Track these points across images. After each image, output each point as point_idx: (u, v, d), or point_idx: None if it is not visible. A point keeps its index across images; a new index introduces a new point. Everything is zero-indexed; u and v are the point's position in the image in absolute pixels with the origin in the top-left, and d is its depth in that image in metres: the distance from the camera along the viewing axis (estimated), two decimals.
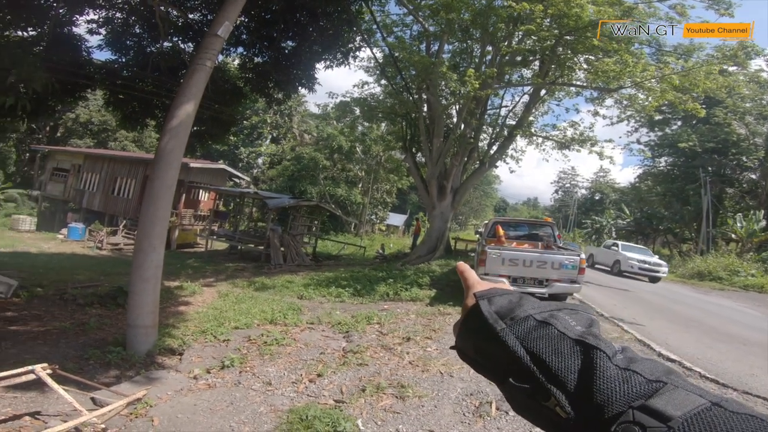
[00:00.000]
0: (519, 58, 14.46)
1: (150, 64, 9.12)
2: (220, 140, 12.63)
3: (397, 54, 14.19)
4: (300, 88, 10.64)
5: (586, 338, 0.46)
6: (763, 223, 21.95)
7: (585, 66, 13.63)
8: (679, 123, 28.06)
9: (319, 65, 10.25)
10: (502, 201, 72.82)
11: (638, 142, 29.15)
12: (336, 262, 18.57)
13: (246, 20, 9.24)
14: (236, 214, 23.83)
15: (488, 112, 17.59)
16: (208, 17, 9.00)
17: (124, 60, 9.57)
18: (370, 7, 11.76)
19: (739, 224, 22.74)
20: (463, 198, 18.11)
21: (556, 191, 66.48)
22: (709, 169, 25.33)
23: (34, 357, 5.09)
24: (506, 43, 13.77)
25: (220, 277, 13.13)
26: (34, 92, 5.90)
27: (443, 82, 14.29)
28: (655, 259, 18.00)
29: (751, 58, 13.05)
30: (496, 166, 18.98)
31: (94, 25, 8.94)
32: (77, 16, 8.58)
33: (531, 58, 14.47)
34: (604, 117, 40.10)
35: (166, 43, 9.44)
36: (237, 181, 29.08)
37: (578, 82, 15.01)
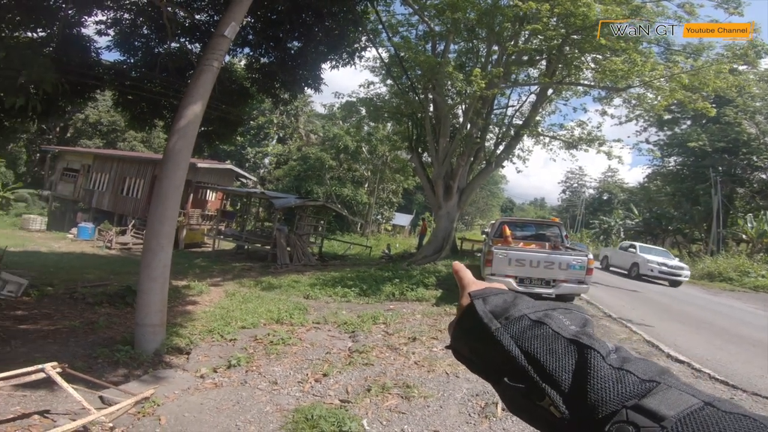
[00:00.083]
0: (525, 58, 14.39)
1: (158, 65, 9.19)
2: (227, 140, 12.69)
3: (402, 54, 14.18)
4: (306, 88, 10.69)
5: (580, 338, 0.46)
6: None
7: (592, 65, 13.54)
8: (689, 122, 27.75)
9: (325, 65, 10.29)
10: (508, 201, 72.55)
11: (647, 141, 28.91)
12: (342, 262, 18.61)
13: (252, 21, 9.29)
14: (243, 214, 23.96)
15: (495, 111, 17.55)
16: (215, 18, 9.05)
17: (132, 61, 9.66)
18: (376, 7, 11.75)
19: (749, 224, 22.46)
20: (470, 198, 18.07)
21: (564, 191, 66.15)
22: (720, 168, 25.02)
23: (44, 356, 5.15)
24: (512, 43, 13.72)
25: (227, 276, 13.21)
26: (45, 93, 5.96)
27: (449, 82, 14.27)
28: (676, 261, 17.16)
29: (761, 57, 12.85)
30: (503, 166, 18.93)
31: (103, 26, 9.03)
32: (86, 17, 8.67)
33: (538, 57, 14.40)
34: (612, 116, 39.69)
35: (173, 44, 9.52)
36: (244, 181, 29.23)
37: (586, 82, 14.91)
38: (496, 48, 14.91)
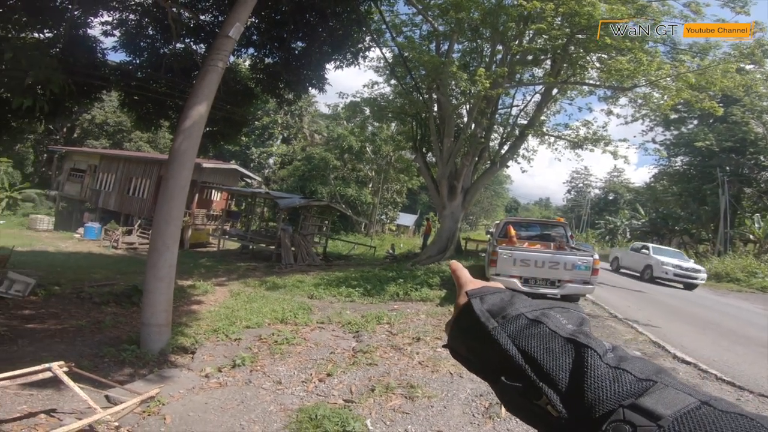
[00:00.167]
0: (530, 57, 14.33)
1: (163, 66, 9.25)
2: (232, 141, 12.76)
3: (406, 54, 14.17)
4: (310, 88, 10.72)
5: (577, 336, 0.46)
6: None
7: (598, 65, 13.46)
8: (696, 122, 27.55)
9: (329, 65, 10.32)
10: (513, 201, 72.28)
11: (653, 141, 28.69)
12: (346, 261, 18.63)
13: (256, 21, 9.32)
14: (248, 214, 24.04)
15: (499, 111, 17.48)
16: (219, 19, 9.10)
17: (138, 61, 9.73)
18: (379, 7, 11.77)
19: (757, 225, 22.26)
20: (474, 198, 18.02)
21: (569, 191, 65.78)
22: (727, 168, 24.81)
23: (51, 355, 5.20)
24: (517, 42, 13.66)
25: (232, 276, 13.26)
26: (52, 94, 6.01)
27: (453, 82, 14.24)
28: (692, 263, 16.33)
29: None
30: (508, 166, 18.90)
31: (109, 27, 9.10)
32: (92, 18, 8.75)
33: (542, 57, 14.34)
34: (618, 116, 39.44)
35: (178, 45, 9.58)
36: (248, 181, 29.35)
37: (591, 81, 14.83)
38: (500, 47, 14.87)
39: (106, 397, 4.33)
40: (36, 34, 7.71)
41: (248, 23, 8.32)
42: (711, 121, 24.97)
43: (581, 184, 63.33)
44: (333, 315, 8.42)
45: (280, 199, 18.43)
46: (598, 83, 14.38)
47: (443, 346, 0.58)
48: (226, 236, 19.94)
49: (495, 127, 17.12)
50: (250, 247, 19.23)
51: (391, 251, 19.83)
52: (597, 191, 59.42)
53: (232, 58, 9.03)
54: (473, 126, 15.62)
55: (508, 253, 9.22)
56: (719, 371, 5.74)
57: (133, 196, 23.66)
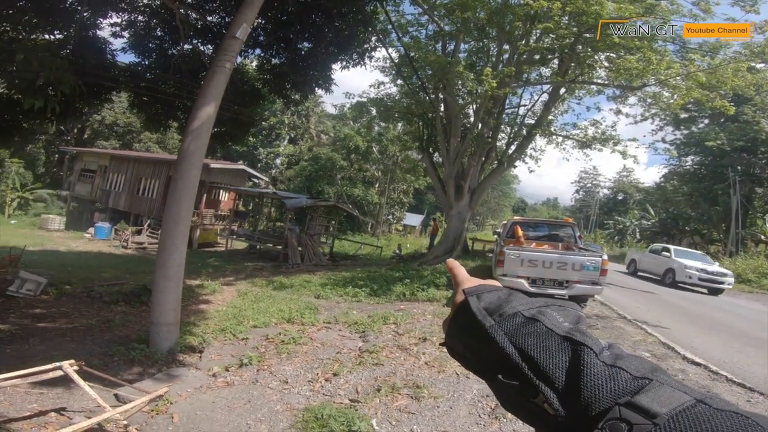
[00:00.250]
0: (537, 57, 14.26)
1: (171, 67, 9.33)
2: (239, 141, 12.84)
3: (412, 54, 14.16)
4: (317, 88, 10.75)
5: (573, 335, 0.46)
6: None
7: (606, 64, 13.35)
8: (707, 121, 27.21)
9: (335, 66, 10.36)
10: (520, 201, 71.90)
11: (663, 140, 28.39)
12: (353, 261, 18.66)
13: (263, 22, 9.37)
14: (255, 214, 24.18)
15: (506, 111, 17.42)
16: (226, 20, 9.16)
17: (147, 62, 9.83)
18: (385, 7, 11.76)
19: None
20: (481, 198, 17.97)
21: (577, 191, 65.25)
22: (738, 168, 24.47)
23: (62, 353, 5.27)
24: (524, 42, 13.60)
25: (240, 276, 13.34)
26: (63, 95, 6.07)
27: (460, 82, 14.21)
28: (717, 267, 15.29)
29: None
30: (515, 166, 18.80)
31: (118, 28, 9.21)
32: (101, 20, 8.85)
33: (549, 56, 14.25)
34: (627, 115, 39.11)
35: (186, 46, 9.65)
36: (256, 181, 29.52)
37: (599, 80, 14.72)
38: (507, 47, 14.81)
39: (116, 395, 4.37)
40: (46, 36, 7.81)
41: (255, 24, 8.37)
42: (722, 120, 24.67)
43: (590, 184, 62.82)
44: (339, 315, 8.44)
45: (287, 199, 18.51)
46: (606, 82, 14.26)
47: (441, 344, 0.59)
48: (234, 236, 20.06)
49: (502, 126, 17.06)
50: (258, 247, 19.33)
51: (397, 251, 19.83)
52: (606, 191, 58.93)
53: (239, 59, 9.08)
54: (480, 126, 15.57)
55: (516, 254, 9.18)
56: (730, 372, 5.68)
57: (143, 196, 23.90)
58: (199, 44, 10.02)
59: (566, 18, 11.76)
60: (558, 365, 0.44)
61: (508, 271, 9.11)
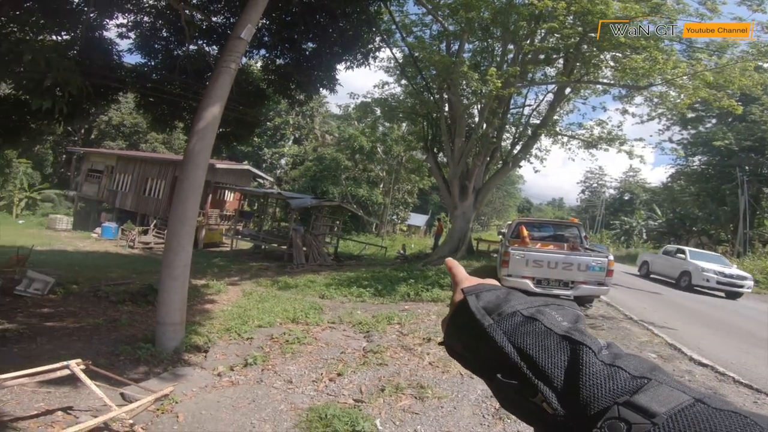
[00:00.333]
0: (542, 57, 14.20)
1: (177, 67, 9.38)
2: (244, 141, 12.89)
3: (417, 54, 14.16)
4: (321, 89, 10.76)
5: (572, 334, 0.46)
6: None
7: (612, 63, 13.26)
8: (714, 121, 26.97)
9: (340, 66, 10.35)
10: (525, 201, 71.57)
11: (670, 140, 28.16)
12: (357, 262, 18.68)
13: (267, 23, 9.40)
14: (260, 214, 24.26)
15: (511, 111, 17.38)
16: (231, 20, 9.20)
17: (153, 63, 9.89)
18: (389, 8, 11.76)
19: None
20: (486, 198, 17.93)
21: (583, 191, 64.90)
22: (746, 168, 24.24)
23: (69, 352, 5.32)
24: (528, 42, 13.54)
25: (245, 276, 13.39)
26: (70, 95, 6.12)
27: (464, 82, 14.19)
28: (736, 269, 14.67)
29: None
30: (520, 166, 18.73)
31: (124, 29, 9.27)
32: (107, 20, 8.91)
33: (555, 56, 14.19)
34: (633, 115, 38.68)
35: (191, 47, 9.70)
36: (261, 181, 29.61)
37: (605, 80, 14.63)
38: (511, 47, 14.76)
39: (122, 394, 4.40)
40: (53, 37, 7.85)
41: (259, 25, 8.40)
42: (730, 119, 24.44)
43: (595, 184, 62.47)
44: (344, 315, 8.45)
45: (291, 200, 18.57)
46: (612, 82, 14.17)
47: (439, 344, 0.59)
48: (239, 236, 20.14)
49: (507, 126, 17.01)
50: (263, 247, 19.40)
51: (402, 251, 19.83)
52: (612, 191, 58.53)
53: (244, 60, 9.12)
54: (485, 126, 15.53)
55: (521, 254, 9.15)
56: (737, 374, 5.64)
57: (149, 196, 24.05)
58: (204, 45, 10.07)
59: (571, 18, 11.70)
60: (557, 364, 0.44)
61: (512, 272, 9.09)
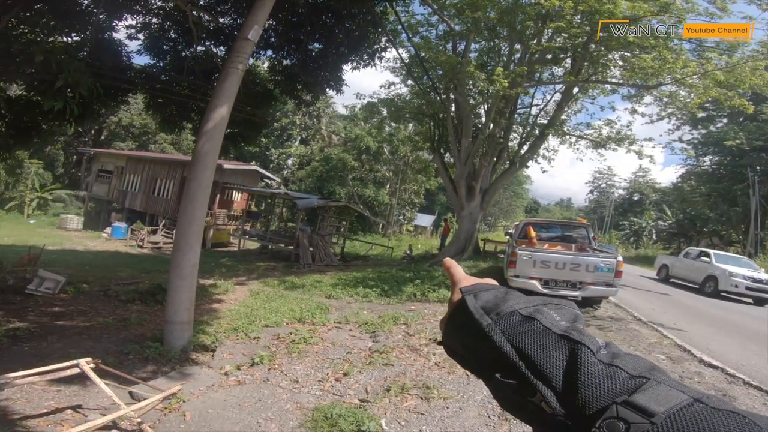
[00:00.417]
0: (549, 56, 14.10)
1: (185, 68, 9.45)
2: (252, 142, 12.95)
3: (423, 54, 14.13)
4: (327, 89, 10.79)
5: (570, 333, 0.46)
6: None
7: (620, 63, 13.13)
8: (725, 120, 26.64)
9: (346, 66, 10.37)
10: (533, 202, 71.18)
11: (680, 140, 27.86)
12: (364, 262, 18.69)
13: (274, 23, 9.44)
14: (267, 214, 24.38)
15: (518, 111, 17.27)
16: (238, 21, 9.25)
17: (161, 64, 9.98)
18: (395, 8, 11.75)
19: None
20: (493, 199, 17.84)
21: (591, 192, 64.43)
22: (758, 168, 23.89)
23: (79, 351, 5.39)
24: (535, 41, 13.46)
25: (252, 275, 13.46)
26: (81, 96, 6.19)
27: (471, 82, 14.14)
28: (764, 274, 13.60)
29: None
30: (527, 166, 18.63)
31: (133, 31, 9.36)
32: (117, 22, 9.00)
33: (562, 55, 14.08)
34: (642, 115, 38.24)
35: (199, 48, 9.78)
36: (268, 181, 29.76)
37: (613, 80, 14.50)
38: (518, 47, 14.68)
39: (130, 393, 4.45)
40: (64, 38, 7.94)
41: (266, 26, 8.44)
42: (741, 119, 24.14)
43: (604, 185, 61.96)
44: (350, 315, 8.47)
45: (298, 200, 18.63)
46: (621, 82, 14.04)
47: (438, 343, 0.59)
48: (247, 236, 20.26)
49: (514, 126, 16.92)
50: (270, 247, 19.49)
51: (408, 252, 19.81)
52: (621, 192, 58.01)
53: (250, 61, 9.17)
54: (491, 126, 15.46)
55: (528, 255, 9.10)
56: (747, 375, 5.58)
57: (158, 196, 24.26)
58: (211, 46, 10.15)
59: (578, 17, 11.61)
60: (555, 364, 0.44)
61: (520, 272, 9.04)
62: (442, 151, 17.19)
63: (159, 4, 9.36)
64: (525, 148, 16.83)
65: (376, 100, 18.16)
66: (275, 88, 10.89)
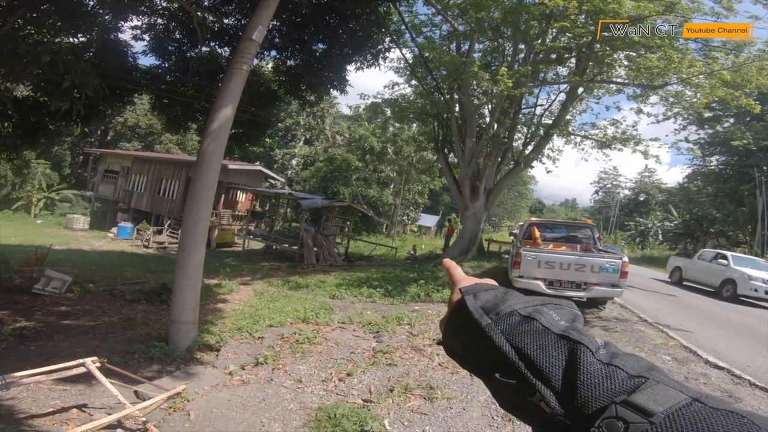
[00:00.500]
0: (554, 56, 14.04)
1: (190, 69, 9.50)
2: (256, 142, 12.98)
3: (426, 54, 14.12)
4: (331, 89, 10.80)
5: (569, 333, 0.46)
6: None
7: (626, 63, 13.05)
8: (732, 120, 26.42)
9: (350, 67, 10.38)
10: (538, 202, 70.91)
11: (687, 140, 27.60)
12: (368, 262, 18.70)
13: (278, 24, 9.46)
14: (272, 214, 24.44)
15: (523, 111, 17.22)
16: (242, 22, 9.28)
17: (166, 65, 10.02)
18: (398, 8, 11.75)
19: None
20: (497, 199, 17.81)
21: (597, 192, 64.09)
22: (765, 168, 23.68)
23: (85, 350, 5.43)
24: (539, 41, 13.40)
25: (256, 275, 13.51)
26: (87, 97, 6.22)
27: (475, 82, 14.11)
28: None
29: None
30: (532, 167, 18.56)
31: (138, 32, 9.41)
32: (122, 23, 9.05)
33: (567, 55, 14.01)
34: (648, 115, 38.04)
35: (204, 48, 9.82)
36: (272, 182, 29.84)
37: (619, 80, 14.40)
38: (522, 47, 14.62)
39: (135, 392, 4.47)
40: (70, 39, 7.99)
41: (270, 26, 8.46)
42: (748, 119, 23.92)
43: (609, 185, 61.63)
44: (354, 315, 8.48)
45: (302, 200, 18.67)
46: (626, 81, 13.94)
47: (438, 343, 0.59)
48: (251, 236, 20.31)
49: (518, 126, 16.87)
50: (274, 247, 19.54)
51: (412, 252, 19.79)
52: (626, 192, 57.65)
53: (255, 61, 9.19)
54: (496, 126, 15.43)
55: (533, 255, 9.08)
56: (753, 377, 5.56)
57: (164, 196, 24.38)
58: (216, 47, 10.19)
59: (583, 17, 11.55)
60: (554, 364, 0.44)
61: (524, 273, 9.02)
62: (446, 151, 17.17)
63: (164, 5, 9.42)
64: (529, 148, 16.78)
65: (380, 101, 18.16)
66: (279, 89, 10.92)
